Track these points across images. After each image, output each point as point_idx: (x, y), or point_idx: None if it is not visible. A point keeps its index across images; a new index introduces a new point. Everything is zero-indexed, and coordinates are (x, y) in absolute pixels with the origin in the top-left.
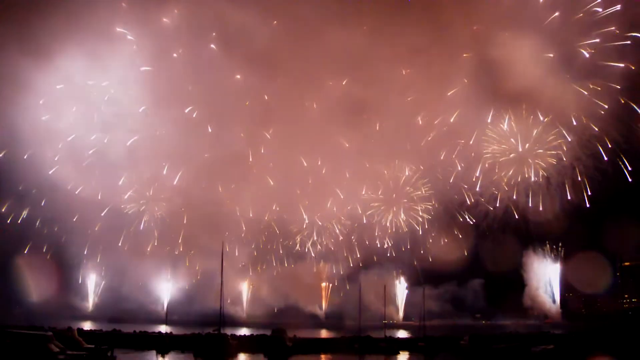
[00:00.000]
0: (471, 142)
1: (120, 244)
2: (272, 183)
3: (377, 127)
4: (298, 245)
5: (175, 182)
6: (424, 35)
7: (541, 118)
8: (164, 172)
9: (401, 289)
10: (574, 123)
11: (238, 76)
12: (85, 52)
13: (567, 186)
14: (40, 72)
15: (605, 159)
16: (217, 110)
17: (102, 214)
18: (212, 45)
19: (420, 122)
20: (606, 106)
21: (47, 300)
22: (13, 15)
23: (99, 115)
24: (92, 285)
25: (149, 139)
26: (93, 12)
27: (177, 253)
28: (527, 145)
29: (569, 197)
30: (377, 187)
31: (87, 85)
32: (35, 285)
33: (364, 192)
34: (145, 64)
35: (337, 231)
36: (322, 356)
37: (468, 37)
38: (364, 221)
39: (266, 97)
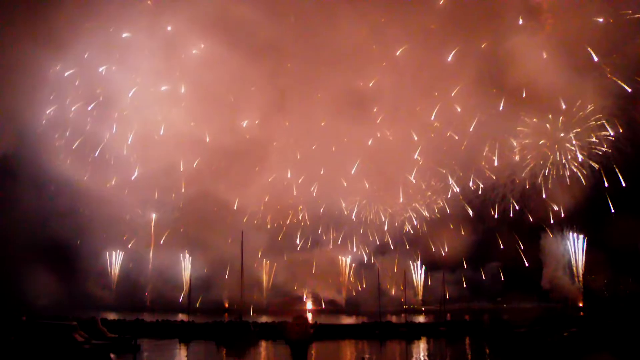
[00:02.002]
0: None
1: (138, 232)
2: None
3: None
4: (319, 230)
5: (193, 167)
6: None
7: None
8: (179, 156)
9: (420, 273)
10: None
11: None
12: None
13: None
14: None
15: None
16: (230, 100)
17: (118, 201)
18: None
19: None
20: None
21: (71, 290)
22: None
23: (113, 105)
24: (114, 275)
25: (165, 128)
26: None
27: (197, 240)
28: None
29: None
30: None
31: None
32: (57, 277)
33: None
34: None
35: (353, 213)
36: (344, 342)
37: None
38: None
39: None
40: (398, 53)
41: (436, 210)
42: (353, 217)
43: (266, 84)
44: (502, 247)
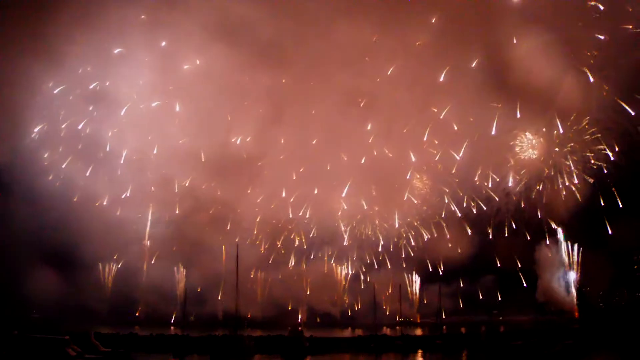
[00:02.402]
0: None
1: (132, 247)
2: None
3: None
4: (312, 245)
5: (186, 184)
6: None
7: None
8: (174, 173)
9: (416, 286)
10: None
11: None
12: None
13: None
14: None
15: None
16: (225, 109)
17: (113, 216)
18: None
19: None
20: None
21: (63, 304)
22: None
23: (109, 117)
24: (108, 289)
25: (158, 139)
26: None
27: (191, 254)
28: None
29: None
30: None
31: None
32: (50, 290)
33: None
34: (152, 64)
35: (347, 231)
36: (339, 356)
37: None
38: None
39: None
40: (390, 72)
41: (432, 225)
42: (348, 230)
43: (260, 100)
44: (498, 260)
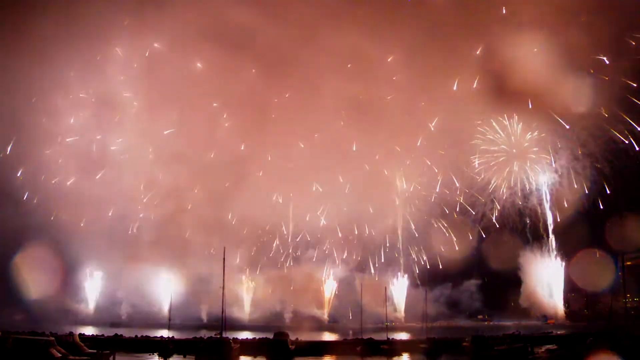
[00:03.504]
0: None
1: (118, 248)
2: (271, 187)
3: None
4: (298, 249)
5: (172, 184)
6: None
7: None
8: (160, 175)
9: (401, 290)
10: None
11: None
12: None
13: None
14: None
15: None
16: (215, 112)
17: (99, 217)
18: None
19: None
20: None
21: (47, 305)
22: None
23: (97, 116)
24: (93, 289)
25: (148, 141)
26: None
27: (176, 256)
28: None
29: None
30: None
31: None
32: (35, 290)
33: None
34: (143, 67)
35: (338, 234)
36: (324, 358)
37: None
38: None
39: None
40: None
41: (414, 228)
42: (337, 234)
43: (250, 101)
44: (482, 265)
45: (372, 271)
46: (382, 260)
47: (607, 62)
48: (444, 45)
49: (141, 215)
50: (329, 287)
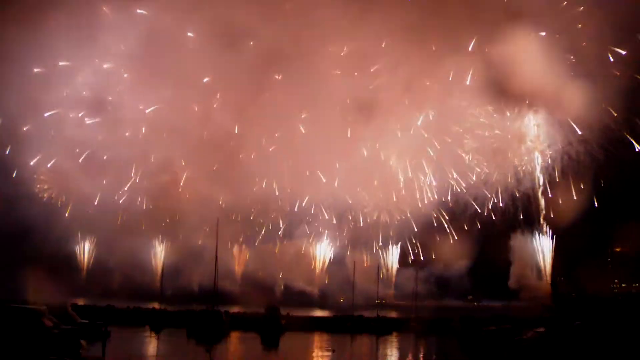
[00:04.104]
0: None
1: (110, 219)
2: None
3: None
4: (291, 225)
5: (167, 157)
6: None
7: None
8: (154, 151)
9: (392, 268)
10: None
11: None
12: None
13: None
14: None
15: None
16: (209, 91)
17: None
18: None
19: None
20: None
21: (40, 276)
22: None
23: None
24: (85, 260)
25: (140, 118)
26: None
27: (166, 226)
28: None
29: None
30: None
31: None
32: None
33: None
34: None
35: (327, 211)
36: (315, 334)
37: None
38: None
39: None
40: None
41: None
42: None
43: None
44: (471, 247)
45: (365, 248)
46: (375, 238)
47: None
48: (441, 34)
49: (128, 188)
50: (321, 263)
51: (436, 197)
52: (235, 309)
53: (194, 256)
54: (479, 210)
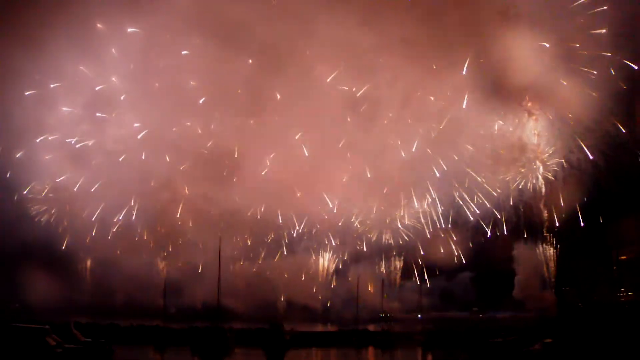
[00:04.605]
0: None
1: (110, 237)
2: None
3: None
4: (294, 237)
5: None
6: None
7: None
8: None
9: (395, 282)
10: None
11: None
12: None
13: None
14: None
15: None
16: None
17: (92, 206)
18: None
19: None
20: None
21: (42, 295)
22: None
23: (89, 107)
24: (87, 278)
25: (140, 131)
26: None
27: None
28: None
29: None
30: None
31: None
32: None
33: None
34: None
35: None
36: (320, 350)
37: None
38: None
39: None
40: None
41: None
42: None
43: (246, 86)
44: (475, 258)
45: (368, 262)
46: (379, 253)
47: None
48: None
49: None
50: (323, 278)
51: (442, 221)
52: (239, 325)
53: (196, 273)
54: (482, 223)
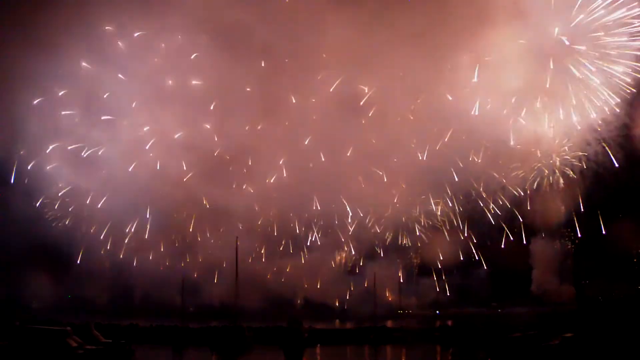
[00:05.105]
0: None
1: (127, 238)
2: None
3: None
4: (309, 236)
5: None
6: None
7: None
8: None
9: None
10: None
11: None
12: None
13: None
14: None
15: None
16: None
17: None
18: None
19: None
20: None
21: (62, 296)
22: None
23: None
24: (107, 278)
25: (153, 134)
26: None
27: (186, 244)
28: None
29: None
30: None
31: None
32: (50, 281)
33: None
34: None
35: (349, 220)
36: (338, 347)
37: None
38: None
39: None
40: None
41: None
42: (348, 220)
43: (257, 88)
44: (491, 252)
45: (384, 259)
46: (396, 251)
47: None
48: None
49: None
50: (342, 275)
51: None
52: (256, 324)
53: (214, 273)
54: (499, 213)
